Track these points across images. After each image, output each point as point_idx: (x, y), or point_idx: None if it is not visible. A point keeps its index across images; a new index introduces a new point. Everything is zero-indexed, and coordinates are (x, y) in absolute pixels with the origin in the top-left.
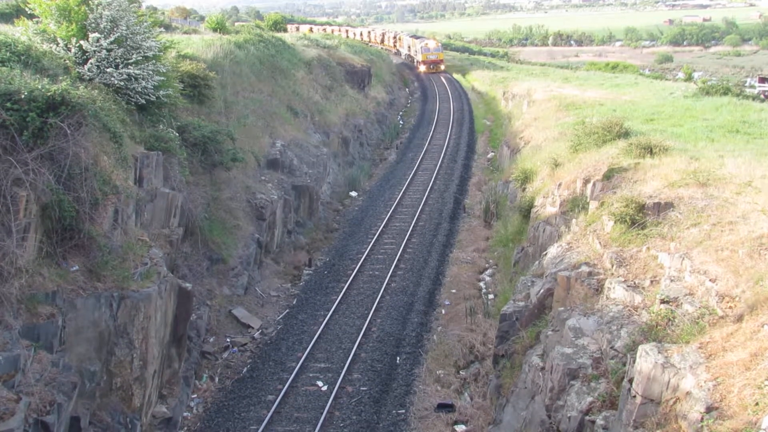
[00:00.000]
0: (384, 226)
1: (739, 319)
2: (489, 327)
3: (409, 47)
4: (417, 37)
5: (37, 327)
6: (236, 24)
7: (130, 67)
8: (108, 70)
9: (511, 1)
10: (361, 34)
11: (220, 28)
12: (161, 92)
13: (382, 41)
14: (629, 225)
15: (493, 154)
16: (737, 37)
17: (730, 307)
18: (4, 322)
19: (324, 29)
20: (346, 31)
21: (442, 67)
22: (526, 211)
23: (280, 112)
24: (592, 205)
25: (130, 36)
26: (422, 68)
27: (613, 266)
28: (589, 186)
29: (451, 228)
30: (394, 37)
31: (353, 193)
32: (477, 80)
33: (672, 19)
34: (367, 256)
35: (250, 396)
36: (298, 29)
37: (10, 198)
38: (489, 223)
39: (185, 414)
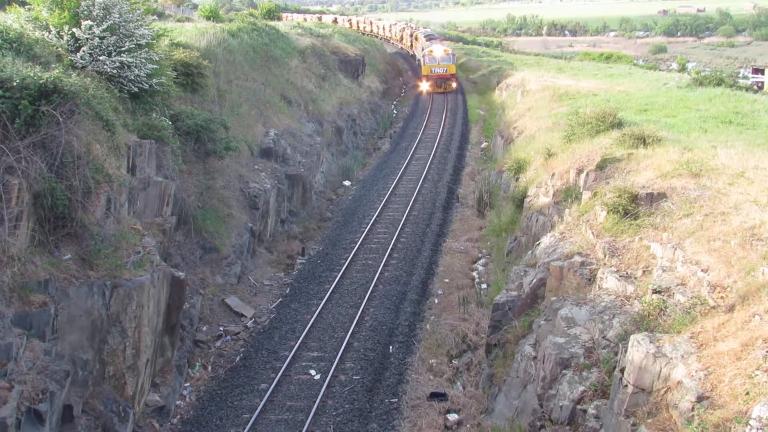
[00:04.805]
0: (377, 216)
1: (731, 309)
2: (482, 316)
3: (422, 49)
4: (431, 38)
5: (29, 315)
6: (230, 12)
7: (122, 55)
8: (101, 57)
9: None
10: (383, 28)
11: (213, 16)
12: (154, 80)
13: (401, 38)
14: (622, 215)
15: (486, 143)
16: (731, 28)
17: (722, 298)
18: None
19: (350, 20)
20: (370, 23)
21: (454, 84)
22: (520, 201)
23: (274, 101)
24: (585, 195)
25: (123, 24)
26: (425, 86)
27: (605, 256)
28: (583, 176)
29: (445, 218)
30: (411, 35)
31: (347, 183)
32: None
33: (666, 10)
34: (360, 245)
35: (243, 385)
36: (320, 19)
37: (2, 186)
38: (482, 213)
39: (178, 402)
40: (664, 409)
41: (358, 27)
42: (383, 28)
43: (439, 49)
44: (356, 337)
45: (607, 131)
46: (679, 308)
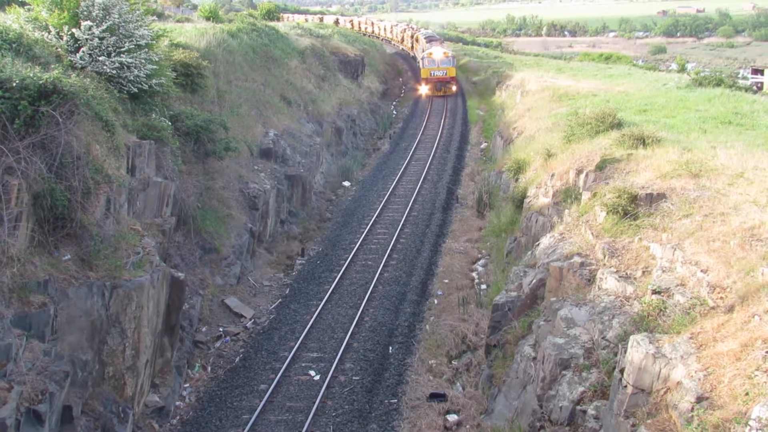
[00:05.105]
0: (377, 216)
1: (730, 309)
2: (481, 317)
3: (422, 51)
4: (431, 39)
5: (29, 316)
6: (229, 13)
7: (122, 55)
8: (100, 58)
9: None
10: (384, 29)
11: (213, 16)
12: (154, 81)
13: (402, 40)
14: (621, 216)
15: (486, 144)
16: (730, 29)
17: (721, 298)
18: None
19: (351, 21)
20: (372, 24)
21: (454, 88)
22: (519, 202)
23: (273, 102)
24: (585, 196)
25: (123, 24)
26: (424, 89)
27: (605, 257)
28: (582, 176)
29: (444, 218)
30: (412, 37)
31: (346, 183)
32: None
33: (666, 10)
34: (359, 245)
35: (242, 385)
36: (321, 20)
37: (2, 187)
38: (482, 214)
39: (177, 403)
40: (663, 409)
41: (359, 28)
42: (384, 29)
43: (438, 52)
44: (356, 337)
45: (607, 132)
46: (678, 309)
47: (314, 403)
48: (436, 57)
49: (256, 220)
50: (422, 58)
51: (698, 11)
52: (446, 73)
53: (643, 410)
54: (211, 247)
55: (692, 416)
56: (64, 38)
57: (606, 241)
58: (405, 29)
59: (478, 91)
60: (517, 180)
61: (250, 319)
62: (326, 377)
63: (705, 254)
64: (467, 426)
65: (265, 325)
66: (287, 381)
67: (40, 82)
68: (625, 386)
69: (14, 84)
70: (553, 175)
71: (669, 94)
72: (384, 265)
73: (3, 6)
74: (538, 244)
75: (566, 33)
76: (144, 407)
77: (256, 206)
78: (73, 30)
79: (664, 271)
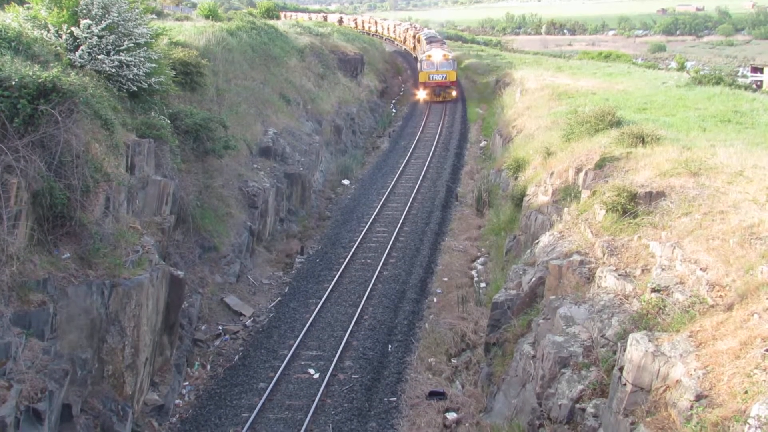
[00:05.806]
0: (376, 215)
1: (730, 307)
2: (481, 315)
3: (423, 52)
4: (432, 40)
5: (28, 314)
6: (229, 11)
7: (121, 53)
8: (99, 56)
9: None
10: (388, 28)
11: (212, 15)
12: (153, 79)
13: (404, 40)
14: (621, 214)
15: (485, 142)
16: (730, 27)
17: (721, 296)
18: None
19: (355, 20)
20: (375, 23)
21: (455, 93)
22: (519, 200)
23: (273, 100)
24: (584, 194)
25: (122, 22)
26: (422, 94)
27: (604, 255)
28: (581, 175)
29: (444, 216)
30: (414, 37)
31: (345, 182)
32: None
33: (665, 9)
34: (359, 244)
35: (241, 384)
36: (325, 18)
37: (1, 185)
38: (481, 212)
39: (177, 401)
40: (662, 407)
41: (363, 27)
42: (387, 28)
43: (438, 54)
44: (355, 336)
45: (606, 130)
46: (677, 307)
47: (313, 401)
48: (435, 60)
49: (255, 219)
50: (421, 61)
51: (698, 9)
52: (446, 77)
53: (642, 408)
54: (211, 246)
55: (691, 414)
56: (63, 37)
57: (605, 240)
58: (407, 29)
59: (477, 90)
60: (516, 178)
61: (250, 318)
62: (326, 375)
63: (704, 252)
64: (466, 424)
65: (265, 324)
66: (286, 379)
67: (40, 80)
68: (625, 384)
69: (13, 82)
70: (552, 174)
71: (668, 92)
72: (383, 264)
73: (2, 4)
74: (538, 243)
75: (566, 31)
76: (143, 405)
77: (256, 204)
78: (72, 28)
79: (663, 270)
